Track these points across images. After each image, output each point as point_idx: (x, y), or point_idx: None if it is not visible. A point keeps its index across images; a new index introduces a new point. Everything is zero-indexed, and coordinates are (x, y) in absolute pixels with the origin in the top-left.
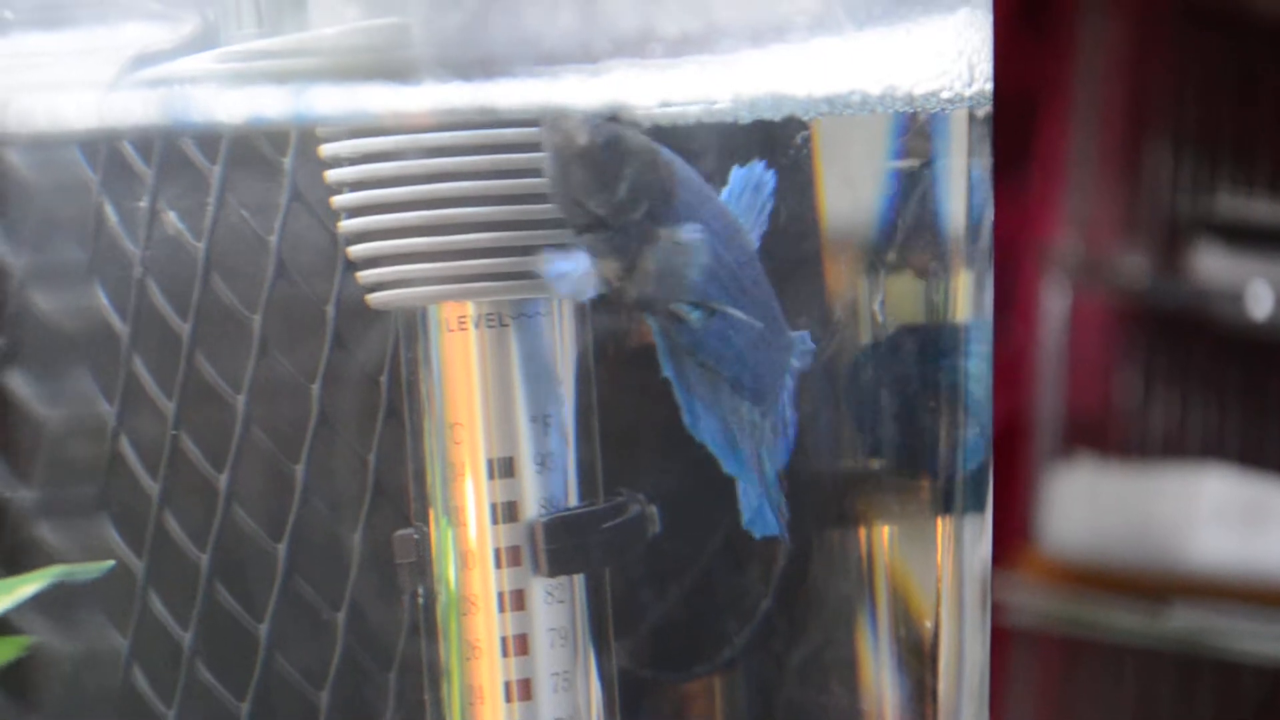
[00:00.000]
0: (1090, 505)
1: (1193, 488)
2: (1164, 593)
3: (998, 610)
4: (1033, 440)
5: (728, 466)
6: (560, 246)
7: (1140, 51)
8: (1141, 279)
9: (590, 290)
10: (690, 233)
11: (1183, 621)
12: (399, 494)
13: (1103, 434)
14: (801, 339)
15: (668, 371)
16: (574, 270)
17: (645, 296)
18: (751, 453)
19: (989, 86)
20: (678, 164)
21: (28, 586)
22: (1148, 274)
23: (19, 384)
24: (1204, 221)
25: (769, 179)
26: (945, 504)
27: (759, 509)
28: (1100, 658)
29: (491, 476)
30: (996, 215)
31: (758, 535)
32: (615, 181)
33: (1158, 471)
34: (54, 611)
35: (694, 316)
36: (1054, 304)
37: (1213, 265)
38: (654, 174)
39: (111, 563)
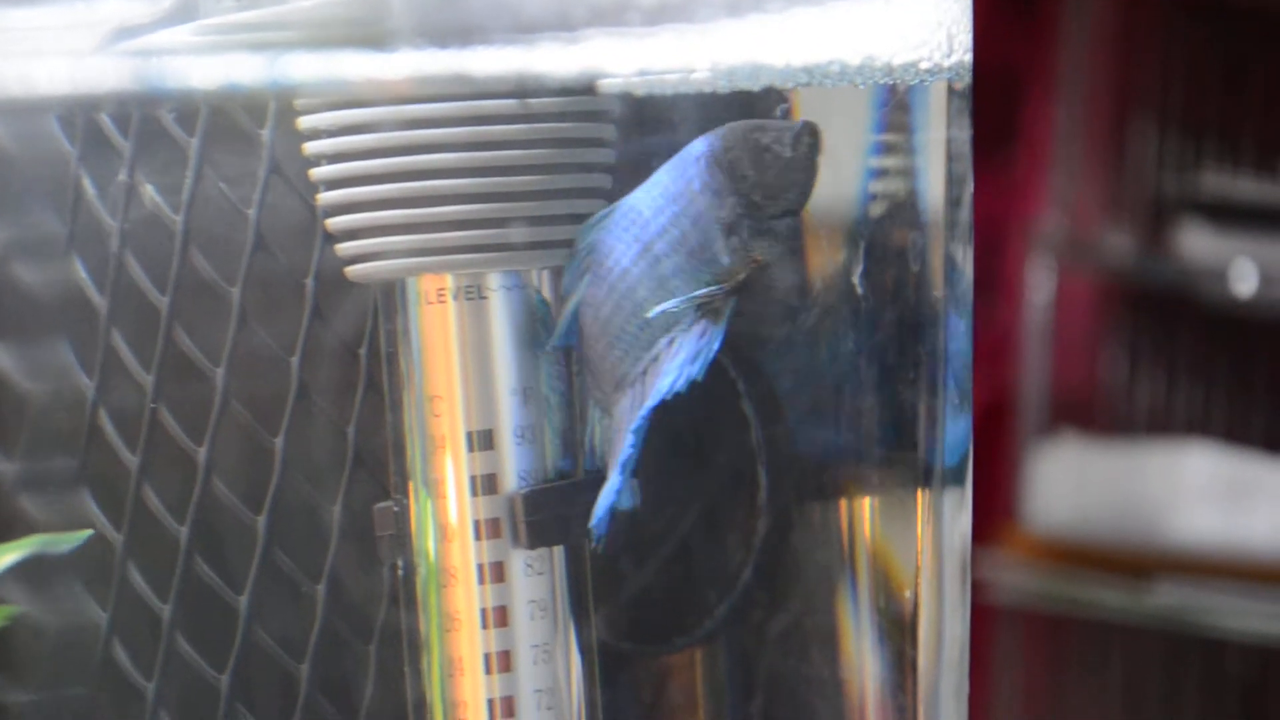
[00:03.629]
0: (1075, 483)
1: (1177, 465)
2: (1149, 570)
3: (983, 588)
4: (1018, 418)
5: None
6: (537, 221)
7: (1126, 29)
8: (1127, 257)
9: None
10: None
11: (1168, 598)
12: (378, 466)
13: (1088, 412)
14: None
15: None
16: None
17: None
18: None
19: (968, 58)
20: None
21: (5, 556)
22: (1133, 252)
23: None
24: (1189, 200)
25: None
26: (926, 477)
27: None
28: (1085, 635)
29: (471, 449)
30: (981, 194)
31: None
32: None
33: (1143, 449)
34: (33, 583)
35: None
36: (1039, 282)
37: (1197, 243)
38: None
39: (90, 532)
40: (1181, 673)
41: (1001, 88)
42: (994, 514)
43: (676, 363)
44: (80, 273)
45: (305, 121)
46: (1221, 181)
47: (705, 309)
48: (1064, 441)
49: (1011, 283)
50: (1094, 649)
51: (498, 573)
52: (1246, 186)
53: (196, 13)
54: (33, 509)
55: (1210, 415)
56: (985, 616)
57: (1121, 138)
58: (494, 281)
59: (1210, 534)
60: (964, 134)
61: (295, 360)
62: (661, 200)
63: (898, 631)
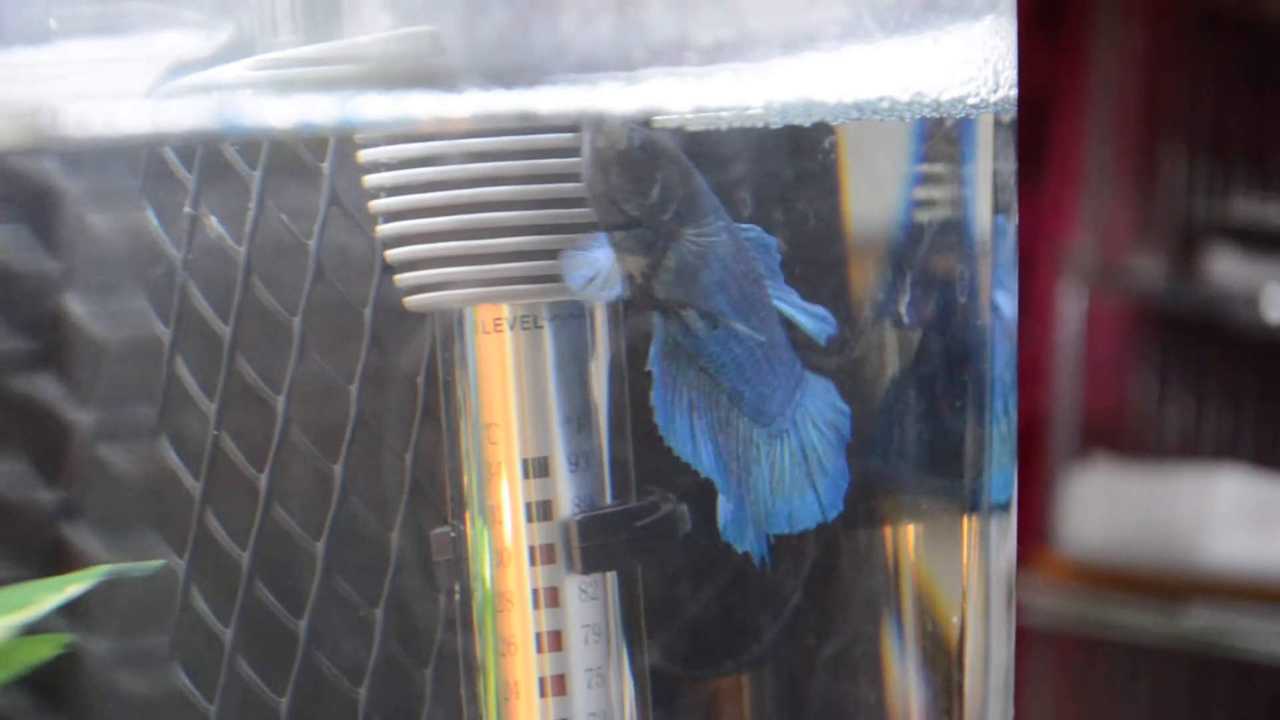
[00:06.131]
0: (1107, 506)
1: (1208, 489)
2: (1180, 593)
3: (1016, 610)
4: (1050, 442)
5: (706, 471)
6: (584, 246)
7: (1155, 56)
8: (1157, 282)
9: (611, 290)
10: (712, 235)
11: (1198, 621)
12: (436, 493)
13: (1119, 436)
14: (824, 319)
15: (655, 368)
16: (596, 272)
17: (666, 294)
18: (737, 465)
19: (1014, 92)
20: (697, 174)
21: (74, 586)
22: (1163, 277)
23: (52, 388)
24: (1219, 225)
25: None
26: (972, 504)
27: (734, 519)
28: (1116, 657)
29: (526, 476)
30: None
31: (735, 546)
32: (650, 183)
33: (1173, 473)
34: (95, 611)
35: (699, 324)
36: (1070, 307)
37: (1227, 268)
38: (681, 178)
39: (160, 562)
40: (1212, 695)
41: (1032, 113)
42: (1026, 537)
43: None
44: (144, 304)
45: (365, 154)
46: (1251, 206)
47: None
48: (1095, 465)
49: (1043, 307)
50: (1125, 671)
51: (552, 598)
52: (1276, 212)
53: (253, 47)
54: (94, 538)
55: (1240, 439)
56: (1017, 638)
57: (1151, 163)
58: (550, 311)
59: (1241, 557)
60: (1009, 166)
61: (355, 389)
62: None
63: (944, 657)
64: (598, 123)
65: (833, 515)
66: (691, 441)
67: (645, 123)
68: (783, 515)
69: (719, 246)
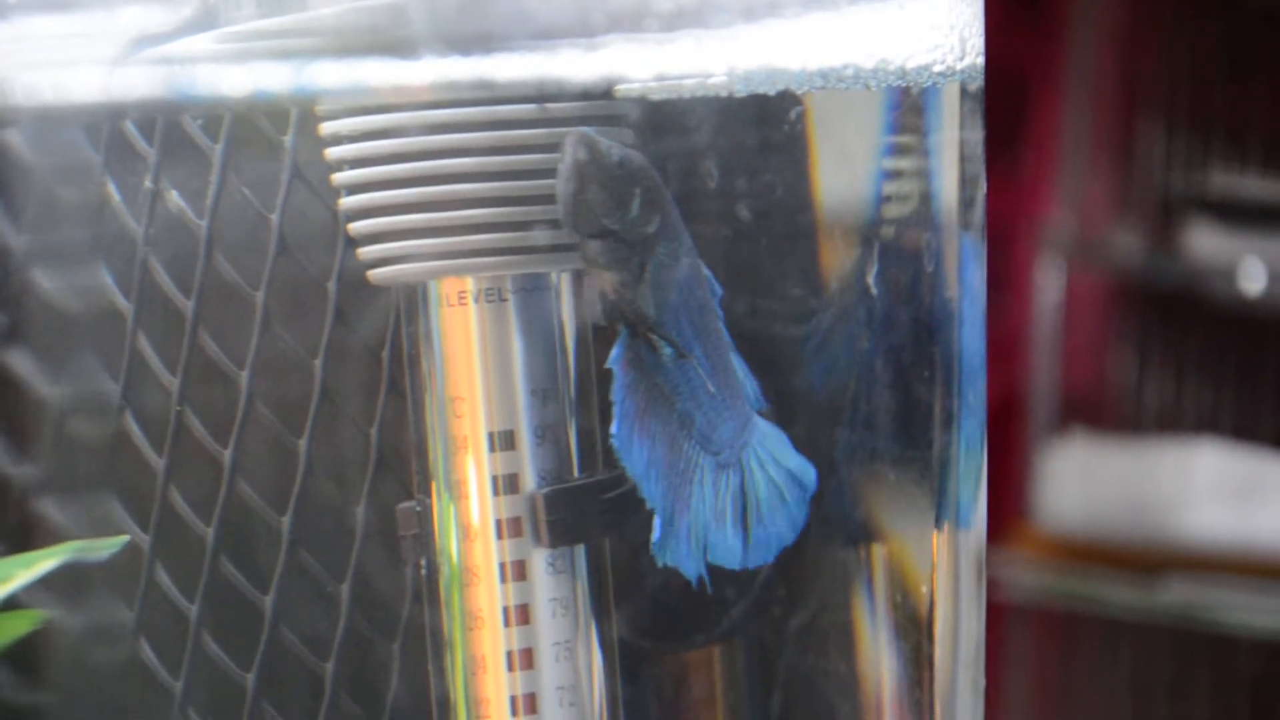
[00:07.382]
0: (1086, 481)
1: (1187, 463)
2: (1159, 567)
3: (995, 586)
4: (1028, 417)
5: (645, 489)
6: (555, 223)
7: (1133, 29)
8: (1135, 257)
9: None
10: (678, 254)
11: (1178, 595)
12: (401, 467)
13: (1098, 410)
14: (756, 397)
15: (615, 367)
16: None
17: (636, 309)
18: (679, 484)
19: (980, 60)
20: (667, 193)
21: (44, 562)
22: (1141, 252)
23: (22, 363)
24: (1197, 199)
25: None
26: (941, 475)
27: (667, 536)
28: (1096, 632)
29: (492, 449)
30: (991, 195)
31: (660, 562)
32: (629, 199)
33: (1153, 447)
34: (61, 587)
35: (666, 351)
36: (1048, 282)
37: (1206, 243)
38: (656, 196)
39: (127, 538)
40: (1191, 669)
41: (1009, 87)
42: (1005, 512)
43: None
44: (105, 278)
45: (327, 127)
46: (1229, 180)
47: None
48: (1074, 440)
49: (1020, 282)
50: (1104, 645)
51: (519, 571)
52: (1254, 185)
53: (217, 20)
54: (57, 514)
55: (1219, 413)
56: (996, 613)
57: (1129, 137)
58: (514, 284)
59: (1219, 531)
60: (976, 135)
61: (318, 363)
62: None
63: (915, 628)
64: (578, 137)
65: (754, 565)
66: (639, 451)
67: (607, 91)
68: (715, 546)
69: (683, 268)
